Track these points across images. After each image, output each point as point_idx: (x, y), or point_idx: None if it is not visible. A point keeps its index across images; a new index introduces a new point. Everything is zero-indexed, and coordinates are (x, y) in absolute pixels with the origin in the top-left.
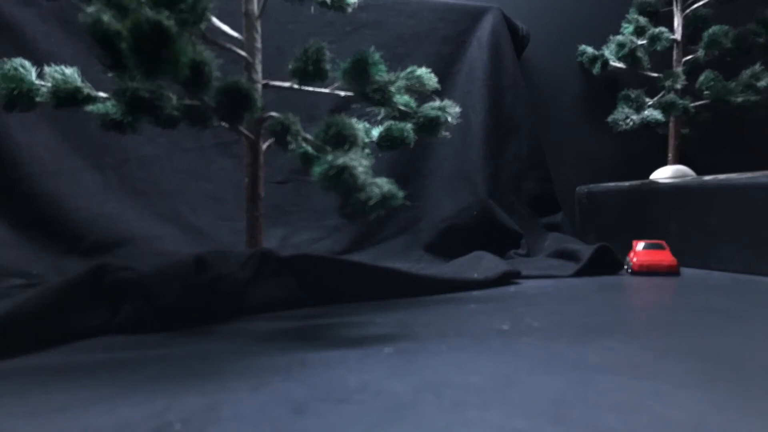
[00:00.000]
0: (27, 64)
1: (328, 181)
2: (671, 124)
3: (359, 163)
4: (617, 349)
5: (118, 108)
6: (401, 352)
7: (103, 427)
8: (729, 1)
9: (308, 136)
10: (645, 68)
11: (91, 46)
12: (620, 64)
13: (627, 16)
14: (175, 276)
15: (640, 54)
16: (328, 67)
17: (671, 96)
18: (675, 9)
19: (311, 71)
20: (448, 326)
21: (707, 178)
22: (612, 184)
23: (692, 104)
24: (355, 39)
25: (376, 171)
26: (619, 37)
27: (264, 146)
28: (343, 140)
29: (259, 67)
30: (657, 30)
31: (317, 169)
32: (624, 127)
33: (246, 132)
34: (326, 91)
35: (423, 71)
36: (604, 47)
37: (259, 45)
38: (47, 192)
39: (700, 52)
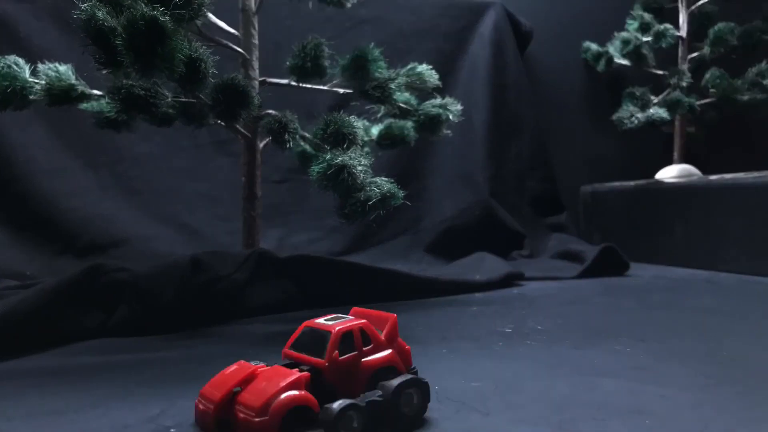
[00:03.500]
0: (21, 61)
1: (326, 180)
2: (677, 123)
3: (358, 162)
4: (621, 352)
5: (112, 106)
6: None
7: (98, 431)
8: None
9: (306, 135)
10: (650, 65)
11: (86, 43)
12: (625, 61)
13: (632, 12)
14: (171, 277)
15: (645, 51)
16: (326, 63)
17: (677, 94)
18: (680, 5)
19: (310, 68)
20: (449, 329)
21: (713, 177)
22: (617, 183)
23: (698, 102)
24: (355, 35)
25: (376, 170)
26: (624, 34)
27: (261, 145)
28: (342, 138)
29: (256, 64)
30: (662, 27)
31: (315, 168)
32: (629, 125)
33: (243, 130)
34: (325, 88)
35: (424, 68)
36: (608, 44)
37: (256, 41)
38: (41, 191)
39: (706, 50)
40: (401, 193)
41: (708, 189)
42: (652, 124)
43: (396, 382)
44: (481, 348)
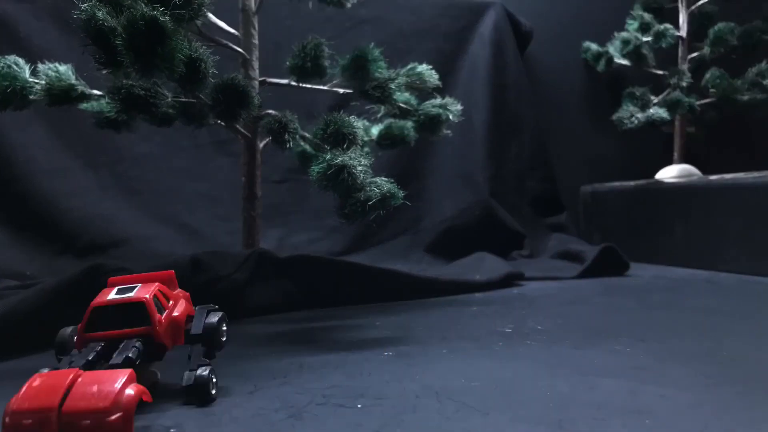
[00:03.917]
0: (21, 61)
1: (326, 180)
2: (677, 123)
3: (358, 162)
4: (621, 352)
5: (112, 106)
6: (402, 355)
7: None
8: None
9: (306, 134)
10: (650, 65)
11: (86, 43)
12: (625, 61)
13: (632, 12)
14: None
15: (645, 51)
16: (326, 63)
17: (677, 94)
18: (680, 5)
19: (309, 68)
20: (449, 329)
21: (713, 177)
22: (617, 183)
23: (698, 102)
24: (355, 35)
25: (376, 170)
26: (624, 34)
27: (261, 145)
28: (342, 139)
29: (256, 64)
30: (662, 27)
31: (315, 168)
32: (629, 125)
33: (243, 130)
34: (325, 88)
35: (424, 68)
36: (608, 44)
37: (256, 41)
38: (41, 191)
39: (706, 50)
40: (401, 193)
41: (708, 189)
42: (652, 124)
43: (214, 319)
44: (481, 348)
